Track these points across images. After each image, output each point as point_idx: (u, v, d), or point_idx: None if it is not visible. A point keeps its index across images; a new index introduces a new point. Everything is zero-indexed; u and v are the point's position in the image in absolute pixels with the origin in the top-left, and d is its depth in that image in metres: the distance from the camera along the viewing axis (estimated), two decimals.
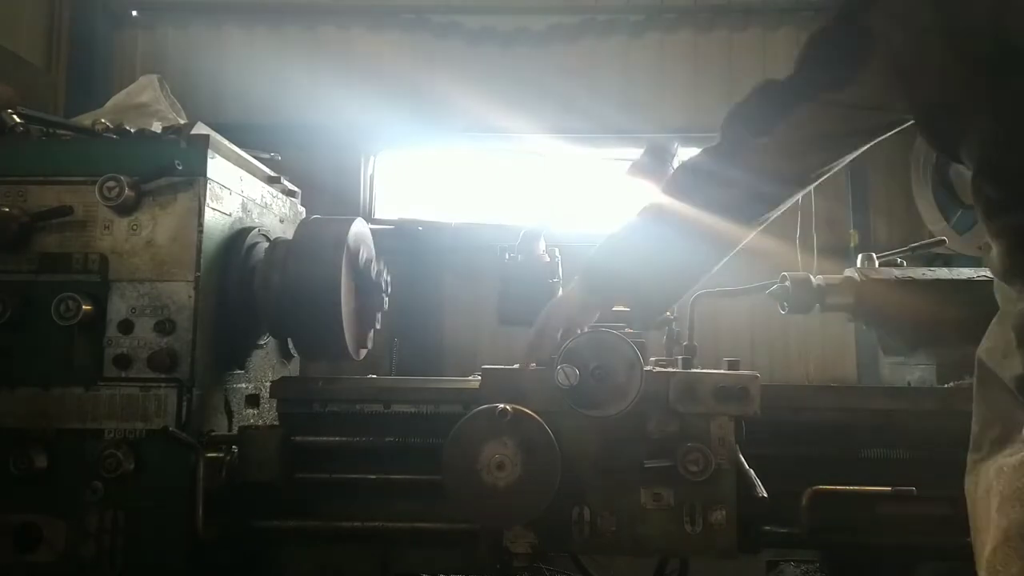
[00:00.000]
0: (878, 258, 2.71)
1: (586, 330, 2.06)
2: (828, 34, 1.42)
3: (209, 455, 2.25)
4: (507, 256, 2.38)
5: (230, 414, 2.52)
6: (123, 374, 2.26)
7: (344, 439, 2.33)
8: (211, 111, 4.53)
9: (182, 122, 2.99)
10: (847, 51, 1.35)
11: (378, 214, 5.00)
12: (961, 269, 2.65)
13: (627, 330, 2.19)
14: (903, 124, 1.44)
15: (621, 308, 2.41)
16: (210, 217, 2.36)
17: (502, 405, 2.02)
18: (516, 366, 2.17)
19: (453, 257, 4.73)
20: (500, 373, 2.20)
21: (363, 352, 2.81)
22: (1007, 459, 1.18)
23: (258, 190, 2.78)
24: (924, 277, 2.58)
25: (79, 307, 2.21)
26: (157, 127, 2.72)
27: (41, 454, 2.21)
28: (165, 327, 2.26)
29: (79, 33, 4.99)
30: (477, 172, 5.15)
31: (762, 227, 1.76)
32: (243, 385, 2.64)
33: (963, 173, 4.50)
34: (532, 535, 2.10)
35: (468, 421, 2.06)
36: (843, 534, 2.20)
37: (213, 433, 2.37)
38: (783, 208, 1.71)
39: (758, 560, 3.20)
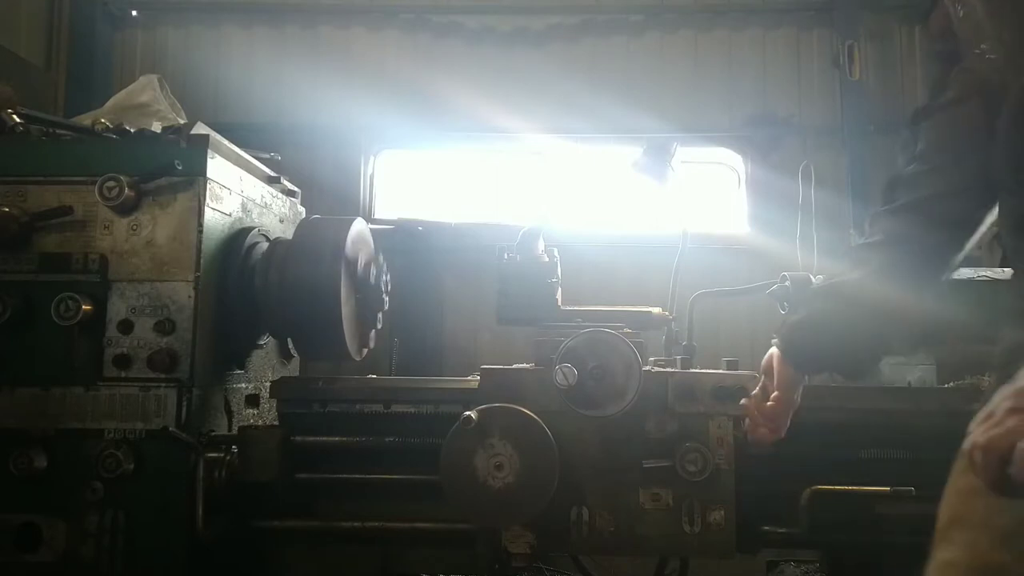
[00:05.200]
0: None
1: None
2: None
3: (209, 455, 2.25)
4: (506, 256, 2.38)
5: (230, 414, 2.52)
6: (123, 374, 2.26)
7: (344, 439, 2.33)
8: (211, 111, 4.53)
9: (182, 122, 2.98)
10: None
11: (378, 214, 5.00)
12: (961, 269, 2.64)
13: (625, 330, 2.19)
14: None
15: (620, 308, 2.42)
16: (210, 217, 2.36)
17: (467, 412, 2.02)
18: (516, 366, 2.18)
19: (453, 257, 4.72)
20: (499, 373, 2.21)
21: (364, 352, 2.81)
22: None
23: (258, 190, 2.78)
24: None
25: (79, 307, 2.21)
26: (157, 127, 2.71)
27: (41, 454, 2.21)
28: (165, 327, 2.26)
29: (79, 33, 4.98)
30: (477, 172, 5.15)
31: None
32: (243, 385, 2.64)
33: None
34: (531, 535, 2.10)
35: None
36: (843, 534, 2.20)
37: (213, 433, 2.38)
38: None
39: (758, 560, 3.20)
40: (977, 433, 0.96)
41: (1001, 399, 0.97)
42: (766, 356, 1.78)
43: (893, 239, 1.53)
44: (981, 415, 0.99)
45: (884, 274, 1.51)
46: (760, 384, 1.81)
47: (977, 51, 1.32)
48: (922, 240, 1.48)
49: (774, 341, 1.75)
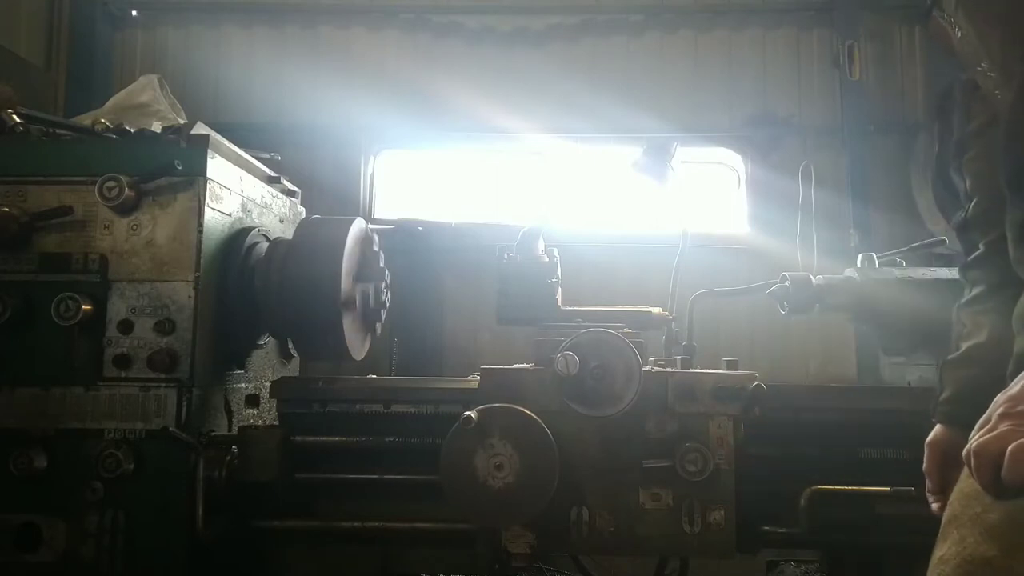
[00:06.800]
0: (878, 258, 2.71)
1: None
2: None
3: (209, 455, 2.25)
4: (506, 256, 2.38)
5: (230, 414, 2.52)
6: (123, 374, 2.26)
7: (344, 439, 2.33)
8: (211, 111, 4.53)
9: (182, 122, 2.98)
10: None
11: (378, 214, 5.00)
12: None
13: (625, 330, 2.19)
14: None
15: (620, 308, 2.42)
16: (210, 217, 2.36)
17: (467, 412, 2.02)
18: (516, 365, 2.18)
19: (453, 257, 4.72)
20: (499, 373, 2.20)
21: (365, 351, 2.80)
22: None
23: (258, 190, 2.78)
24: (924, 277, 2.57)
25: (79, 307, 2.21)
26: (157, 127, 2.71)
27: (41, 454, 2.21)
28: (165, 327, 2.26)
29: (79, 33, 4.98)
30: (477, 172, 5.15)
31: None
32: (243, 385, 2.64)
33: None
34: (531, 535, 2.10)
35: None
36: (843, 534, 2.20)
37: (213, 433, 2.38)
38: None
39: (758, 560, 3.20)
40: (974, 439, 1.00)
41: (995, 406, 1.00)
42: (938, 442, 1.55)
43: (995, 287, 1.50)
44: (979, 422, 1.02)
45: (1008, 327, 1.47)
46: (935, 465, 1.63)
47: (979, 69, 1.32)
48: (1021, 279, 1.45)
49: (938, 426, 1.59)
